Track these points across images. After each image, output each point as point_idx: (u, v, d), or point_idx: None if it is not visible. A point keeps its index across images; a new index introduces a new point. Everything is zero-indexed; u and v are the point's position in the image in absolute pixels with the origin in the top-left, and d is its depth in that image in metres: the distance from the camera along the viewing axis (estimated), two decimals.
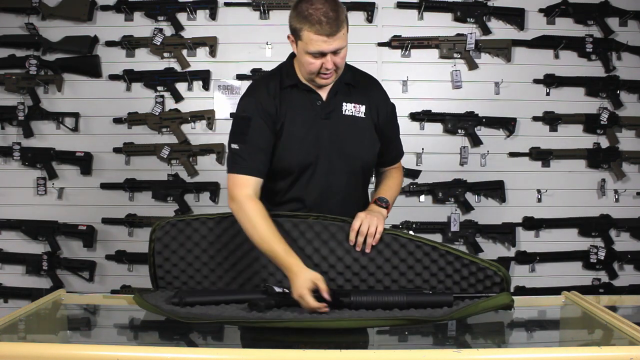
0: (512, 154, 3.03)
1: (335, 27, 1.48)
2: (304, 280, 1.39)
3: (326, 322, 1.35)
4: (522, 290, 3.03)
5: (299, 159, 1.61)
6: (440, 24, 3.00)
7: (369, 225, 1.54)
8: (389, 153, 1.78)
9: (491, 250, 3.06)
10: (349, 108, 1.65)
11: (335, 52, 1.53)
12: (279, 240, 1.47)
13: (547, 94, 3.03)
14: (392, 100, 1.79)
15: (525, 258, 3.04)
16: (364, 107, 1.66)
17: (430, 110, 2.98)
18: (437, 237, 3.04)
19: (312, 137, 1.61)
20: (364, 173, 1.71)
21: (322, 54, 1.52)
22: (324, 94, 1.65)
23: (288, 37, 1.60)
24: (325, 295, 1.39)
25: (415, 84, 3.00)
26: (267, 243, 1.47)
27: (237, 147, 1.57)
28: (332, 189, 1.64)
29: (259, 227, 1.48)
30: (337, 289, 1.52)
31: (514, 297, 1.44)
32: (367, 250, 1.54)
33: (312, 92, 1.64)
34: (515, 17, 2.99)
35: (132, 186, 2.98)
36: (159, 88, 2.99)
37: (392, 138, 1.77)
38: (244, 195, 1.53)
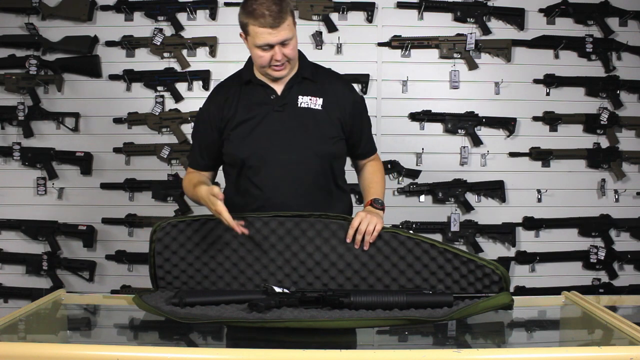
0: (512, 154, 3.03)
1: (278, 18, 1.53)
2: (207, 196, 1.55)
3: (326, 322, 1.36)
4: (522, 290, 3.03)
5: (252, 150, 1.67)
6: (440, 24, 3.00)
7: (368, 223, 1.55)
8: (361, 146, 1.81)
9: (491, 250, 3.06)
10: (304, 101, 1.68)
11: (283, 44, 1.58)
12: (194, 185, 1.66)
13: (547, 94, 3.03)
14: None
15: (525, 258, 3.04)
16: (321, 99, 1.69)
17: (430, 110, 2.98)
18: (437, 237, 3.04)
19: (264, 129, 1.67)
20: (323, 164, 1.70)
21: (270, 46, 1.57)
22: (279, 88, 1.69)
23: (240, 34, 1.65)
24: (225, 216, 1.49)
25: (415, 84, 3.00)
26: (190, 193, 1.71)
27: (191, 143, 1.85)
28: (289, 179, 1.67)
29: (189, 185, 1.71)
30: (336, 289, 1.52)
31: (514, 297, 1.44)
32: (365, 248, 1.55)
33: (267, 87, 1.69)
34: (515, 17, 3.00)
35: (132, 186, 2.98)
36: (159, 88, 2.99)
37: (362, 130, 1.79)
38: (186, 176, 1.80)
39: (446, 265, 1.52)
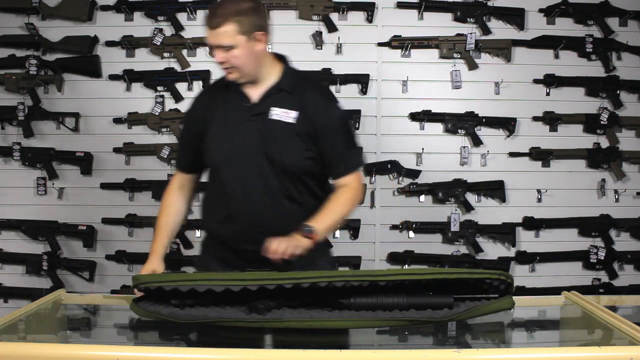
0: (512, 154, 3.03)
1: (216, 21, 1.56)
2: (147, 268, 1.67)
3: (326, 322, 1.35)
4: (522, 290, 3.03)
5: (221, 156, 1.68)
6: (440, 24, 3.00)
7: (277, 247, 1.54)
8: (331, 165, 1.71)
9: (491, 250, 3.06)
10: (277, 112, 1.66)
11: (223, 48, 1.59)
12: (159, 230, 1.77)
13: (547, 94, 3.03)
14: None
15: (525, 258, 3.04)
16: (295, 113, 1.65)
17: (430, 110, 2.98)
18: (437, 237, 3.05)
19: (236, 136, 1.67)
20: (291, 177, 1.67)
21: (212, 46, 1.61)
22: (255, 95, 1.68)
23: None
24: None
25: (415, 84, 3.00)
26: (159, 227, 1.78)
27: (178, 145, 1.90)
28: (257, 190, 1.66)
29: (159, 215, 1.80)
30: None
31: (514, 298, 1.44)
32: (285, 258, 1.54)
33: (243, 94, 1.69)
34: (515, 17, 3.00)
35: (132, 186, 2.99)
36: (159, 88, 2.99)
37: (333, 148, 1.69)
38: (169, 185, 1.84)
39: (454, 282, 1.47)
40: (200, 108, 1.75)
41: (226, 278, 1.39)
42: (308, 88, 1.71)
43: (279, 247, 1.54)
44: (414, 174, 3.01)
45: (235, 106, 1.69)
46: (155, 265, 1.69)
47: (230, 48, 1.58)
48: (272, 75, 1.69)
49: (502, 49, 2.99)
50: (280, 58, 1.75)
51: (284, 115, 1.66)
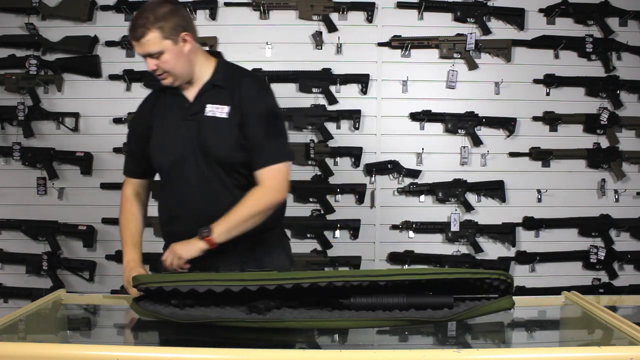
0: (512, 154, 3.03)
1: (139, 31, 1.60)
2: (127, 275, 1.66)
3: (326, 322, 1.36)
4: (522, 290, 3.03)
5: (165, 158, 1.72)
6: (440, 24, 3.00)
7: (171, 262, 1.63)
8: (252, 155, 1.67)
9: (491, 250, 3.06)
10: (211, 109, 1.68)
11: (153, 56, 1.62)
12: (123, 236, 1.78)
13: (547, 94, 3.03)
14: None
15: (525, 258, 3.04)
16: (228, 107, 1.68)
17: (430, 110, 2.98)
18: (437, 237, 3.05)
19: (176, 138, 1.70)
20: (231, 172, 1.69)
21: (144, 55, 1.64)
22: (190, 95, 1.71)
23: None
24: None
25: (415, 84, 3.00)
26: (123, 236, 1.78)
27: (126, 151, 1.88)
28: (197, 189, 1.69)
29: (120, 223, 1.82)
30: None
31: (514, 298, 1.43)
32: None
33: (180, 95, 1.72)
34: (515, 17, 3.00)
35: None
36: None
37: (254, 137, 1.67)
38: (122, 193, 1.85)
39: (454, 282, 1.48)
40: (143, 114, 1.79)
41: (226, 278, 1.40)
42: (241, 80, 1.71)
43: (168, 259, 1.63)
44: (414, 174, 3.01)
45: (174, 109, 1.72)
46: (143, 270, 1.71)
47: (159, 54, 1.62)
48: (206, 73, 1.72)
49: (502, 49, 2.99)
50: (215, 54, 1.78)
51: (217, 111, 1.68)
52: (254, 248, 1.76)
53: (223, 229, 1.62)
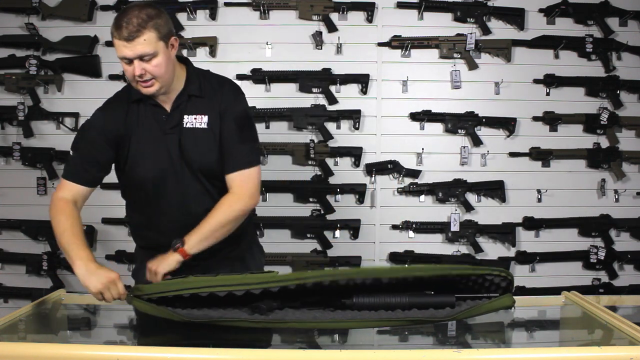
0: (512, 154, 3.03)
1: (134, 32, 1.49)
2: (99, 277, 1.44)
3: (329, 323, 1.35)
4: (522, 290, 3.03)
5: (148, 174, 1.65)
6: (440, 24, 3.00)
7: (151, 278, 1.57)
8: (225, 159, 1.65)
9: (491, 250, 3.06)
10: (189, 120, 1.64)
11: (143, 59, 1.52)
12: (72, 235, 1.54)
13: (547, 94, 3.03)
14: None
15: (525, 258, 3.04)
16: (206, 117, 1.64)
17: (430, 110, 2.98)
18: (438, 237, 3.05)
19: (158, 152, 1.64)
20: (216, 182, 1.67)
21: (130, 60, 1.52)
22: (167, 106, 1.65)
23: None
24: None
25: (415, 84, 3.00)
26: (62, 238, 1.56)
27: (71, 154, 1.69)
28: (186, 202, 1.66)
29: (58, 223, 1.59)
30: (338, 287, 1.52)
31: (514, 297, 1.44)
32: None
33: (158, 106, 1.65)
34: (515, 17, 2.99)
35: None
36: None
37: (226, 142, 1.64)
38: (58, 196, 1.64)
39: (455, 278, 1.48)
40: (116, 122, 1.65)
41: (229, 283, 1.39)
42: (221, 88, 1.68)
43: (149, 277, 1.57)
44: (414, 174, 3.01)
45: (152, 120, 1.65)
46: (110, 273, 1.47)
47: (152, 57, 1.52)
48: (179, 82, 1.66)
49: (502, 49, 2.99)
50: (183, 61, 1.71)
51: (196, 121, 1.64)
52: (233, 247, 1.76)
53: (195, 240, 1.58)
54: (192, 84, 1.66)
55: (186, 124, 1.64)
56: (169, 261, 1.56)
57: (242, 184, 1.65)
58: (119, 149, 1.66)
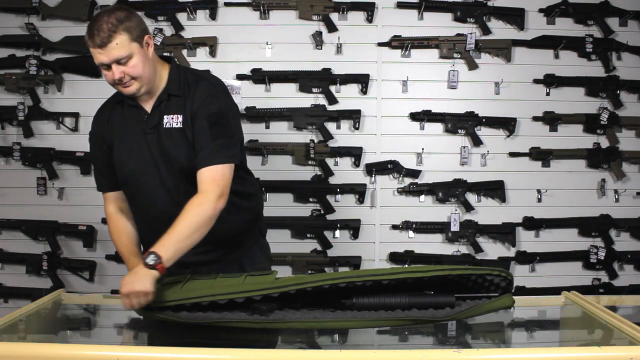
0: (512, 154, 3.03)
1: (105, 37, 1.50)
2: (145, 277, 1.40)
3: (329, 322, 1.36)
4: (522, 290, 3.03)
5: (129, 173, 1.67)
6: (440, 24, 3.00)
7: (130, 302, 1.39)
8: (197, 155, 1.60)
9: (491, 250, 3.06)
10: (168, 120, 1.63)
11: (120, 62, 1.53)
12: (121, 250, 1.72)
13: (547, 94, 3.03)
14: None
15: (525, 258, 3.04)
16: (181, 116, 1.63)
17: (430, 110, 2.98)
18: (438, 237, 3.05)
19: (140, 152, 1.65)
20: (191, 181, 1.62)
21: (108, 65, 1.53)
22: (148, 107, 1.65)
23: None
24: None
25: (415, 84, 3.00)
26: (120, 250, 1.73)
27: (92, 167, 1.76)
28: (164, 200, 1.65)
29: (114, 242, 1.77)
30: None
31: (514, 297, 1.44)
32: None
33: (139, 108, 1.65)
34: (515, 17, 2.99)
35: None
36: None
37: (198, 138, 1.60)
38: (106, 212, 1.79)
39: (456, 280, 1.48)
40: (101, 126, 1.71)
41: (230, 291, 1.39)
42: (195, 86, 1.65)
43: (128, 302, 1.40)
44: (414, 174, 3.01)
45: (133, 122, 1.66)
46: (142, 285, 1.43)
47: (127, 60, 1.53)
48: (162, 81, 1.66)
49: (502, 49, 2.99)
50: (167, 59, 1.71)
51: (172, 121, 1.63)
52: (232, 250, 1.76)
53: (171, 253, 1.46)
54: (172, 83, 1.65)
55: (165, 124, 1.64)
56: (144, 281, 1.38)
57: (209, 181, 1.57)
58: (110, 151, 1.70)
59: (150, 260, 1.42)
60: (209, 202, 1.54)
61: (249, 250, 1.84)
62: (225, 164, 1.59)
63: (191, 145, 1.62)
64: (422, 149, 3.01)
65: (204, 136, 1.60)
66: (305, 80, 2.95)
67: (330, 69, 2.96)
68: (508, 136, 3.03)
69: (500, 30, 3.01)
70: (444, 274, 1.41)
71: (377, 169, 3.00)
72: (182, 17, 2.98)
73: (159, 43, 2.94)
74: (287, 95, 2.96)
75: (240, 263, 1.80)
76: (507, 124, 3.01)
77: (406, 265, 2.99)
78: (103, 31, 1.50)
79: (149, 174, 1.65)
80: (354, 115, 2.96)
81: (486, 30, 2.99)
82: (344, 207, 3.01)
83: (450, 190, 3.00)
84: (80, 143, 3.00)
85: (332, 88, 2.96)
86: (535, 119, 3.02)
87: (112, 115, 1.70)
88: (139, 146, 1.65)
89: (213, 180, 1.57)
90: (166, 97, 1.65)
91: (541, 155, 3.02)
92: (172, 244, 1.47)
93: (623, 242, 3.08)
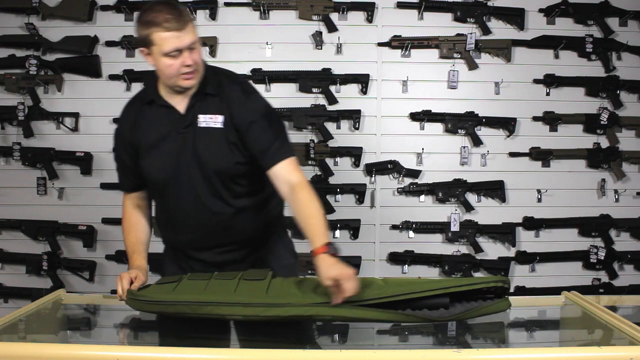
0: (512, 154, 3.03)
1: (182, 21, 1.51)
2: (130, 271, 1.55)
3: (326, 309, 1.35)
4: (522, 290, 3.03)
5: (160, 174, 1.64)
6: (440, 24, 3.00)
7: (345, 289, 1.34)
8: (263, 156, 1.60)
9: (491, 250, 3.06)
10: (204, 120, 1.60)
11: (190, 49, 1.53)
12: (128, 246, 1.69)
13: (547, 94, 3.03)
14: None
15: (525, 258, 3.04)
16: (222, 117, 1.60)
17: (430, 110, 2.98)
18: (437, 237, 3.05)
19: (170, 152, 1.61)
20: (228, 184, 1.64)
21: (179, 52, 1.52)
22: (181, 107, 1.62)
23: (141, 51, 1.59)
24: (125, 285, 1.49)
25: (415, 84, 3.00)
26: (125, 245, 1.71)
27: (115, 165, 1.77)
28: (195, 203, 1.64)
29: (127, 236, 1.72)
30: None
31: (514, 297, 1.44)
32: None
33: (170, 107, 1.62)
34: (515, 17, 3.00)
35: None
36: None
37: (260, 140, 1.60)
38: (124, 205, 1.76)
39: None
40: (127, 126, 1.68)
41: (215, 301, 1.38)
42: (228, 86, 1.64)
43: (346, 288, 1.34)
44: (414, 174, 3.01)
45: (163, 121, 1.63)
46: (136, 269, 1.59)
47: (195, 45, 1.54)
48: None
49: (502, 49, 2.99)
50: None
51: (211, 121, 1.61)
52: (258, 248, 1.76)
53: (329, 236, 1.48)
54: (209, 83, 1.63)
55: (200, 123, 1.61)
56: (342, 265, 1.38)
57: (292, 171, 1.60)
58: (137, 152, 1.66)
59: (332, 250, 1.42)
60: (308, 186, 1.59)
61: (274, 247, 1.83)
62: (293, 157, 1.63)
63: (233, 148, 1.60)
64: (422, 149, 3.01)
65: (268, 135, 1.60)
66: (305, 80, 2.95)
67: (330, 69, 2.96)
68: (508, 136, 3.03)
69: (500, 30, 3.01)
70: (440, 293, 1.39)
71: (377, 169, 3.00)
72: None
73: None
74: (287, 95, 2.96)
75: (265, 260, 1.77)
76: (507, 124, 3.01)
77: (405, 267, 3.00)
78: (177, 15, 1.51)
79: (179, 177, 1.62)
80: (354, 115, 2.96)
81: (486, 30, 2.99)
82: (344, 207, 3.01)
83: (450, 190, 3.00)
84: (80, 143, 3.00)
85: (332, 88, 2.96)
86: (535, 119, 3.02)
87: (138, 117, 1.66)
88: (170, 146, 1.62)
89: (294, 170, 1.60)
90: (202, 96, 1.62)
91: (541, 155, 3.02)
92: (325, 231, 1.49)
93: (623, 242, 3.08)
